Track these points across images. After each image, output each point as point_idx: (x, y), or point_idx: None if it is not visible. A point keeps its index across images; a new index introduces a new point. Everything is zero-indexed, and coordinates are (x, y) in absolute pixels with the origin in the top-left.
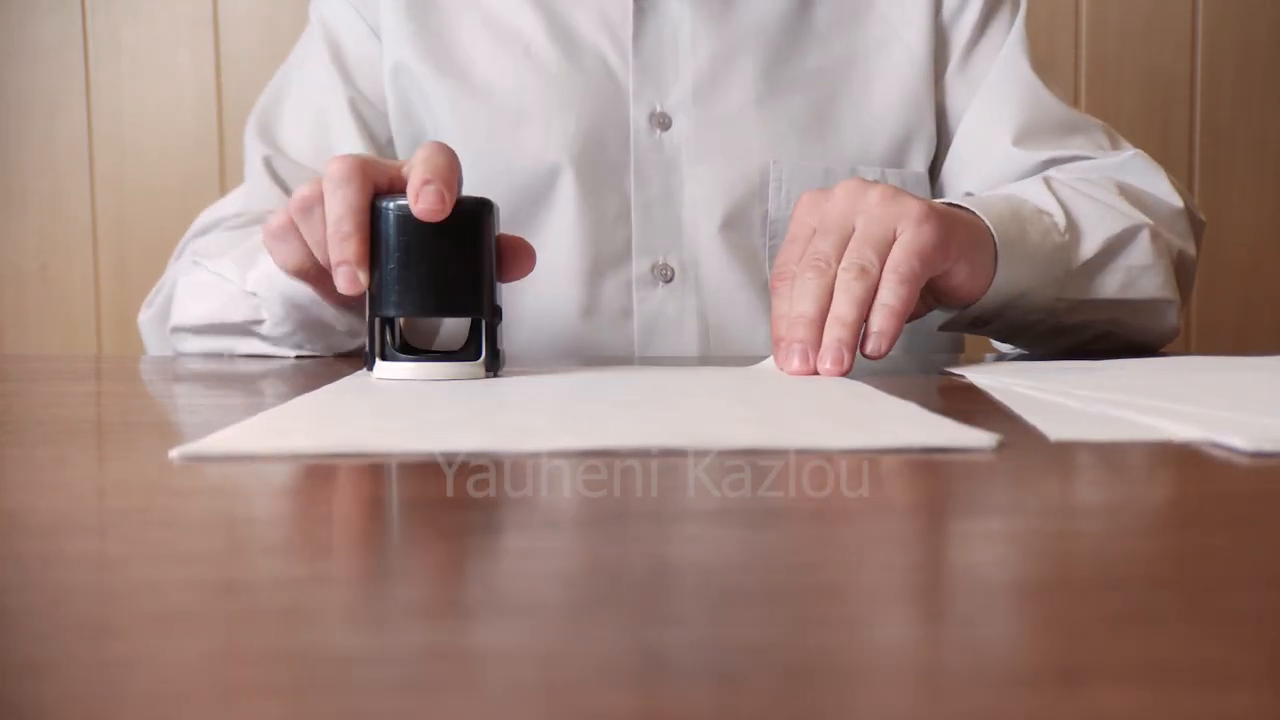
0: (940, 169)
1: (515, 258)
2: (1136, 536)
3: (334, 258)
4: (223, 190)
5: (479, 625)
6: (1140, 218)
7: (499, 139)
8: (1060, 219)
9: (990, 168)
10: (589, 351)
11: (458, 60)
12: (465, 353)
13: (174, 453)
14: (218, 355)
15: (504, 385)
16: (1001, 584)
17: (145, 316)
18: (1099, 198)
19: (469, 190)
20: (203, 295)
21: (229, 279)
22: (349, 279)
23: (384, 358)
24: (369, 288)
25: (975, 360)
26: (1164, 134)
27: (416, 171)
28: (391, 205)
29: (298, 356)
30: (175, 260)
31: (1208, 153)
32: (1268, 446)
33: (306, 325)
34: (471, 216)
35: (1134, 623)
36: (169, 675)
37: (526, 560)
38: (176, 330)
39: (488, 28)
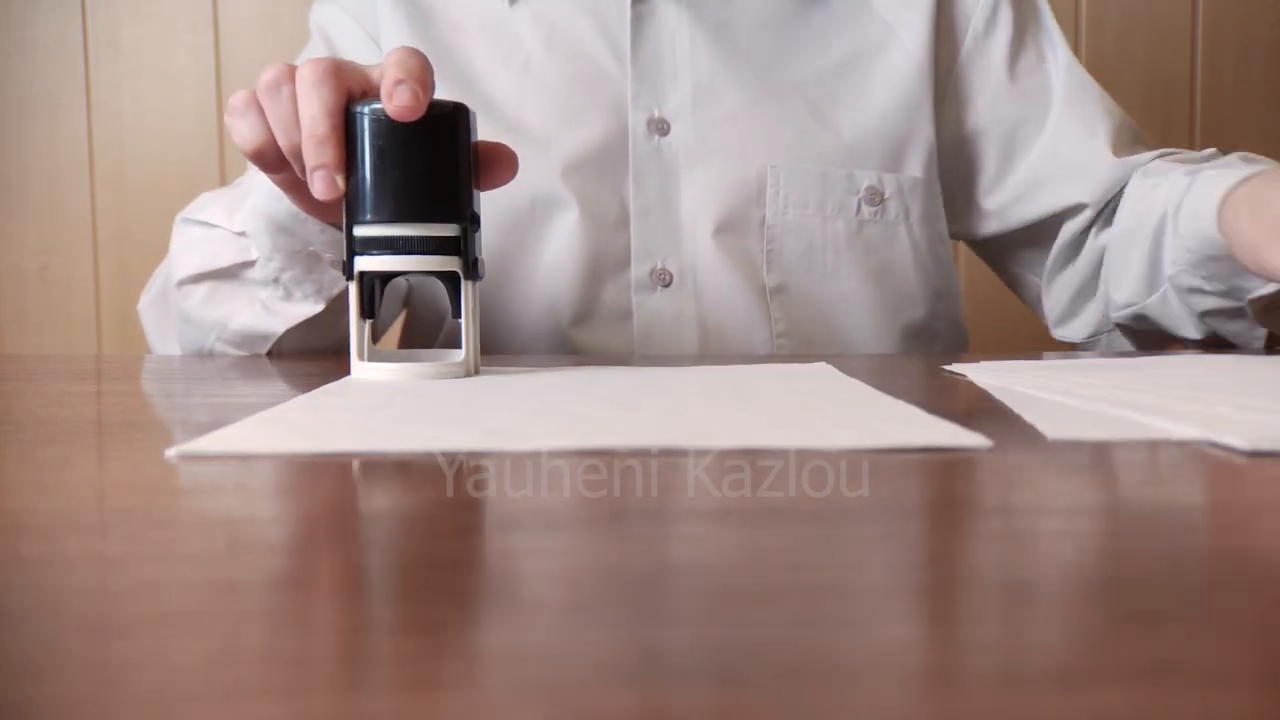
0: (933, 170)
1: (496, 163)
2: (1135, 536)
3: (310, 162)
4: None
5: (479, 625)
6: None
7: None
8: None
9: (1095, 176)
10: (587, 355)
11: (456, 70)
12: (446, 353)
13: (170, 452)
14: (218, 324)
15: (499, 384)
16: (1000, 584)
17: (144, 302)
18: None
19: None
20: (195, 248)
21: (218, 224)
22: (326, 184)
23: (362, 359)
24: (344, 196)
25: (975, 360)
26: (1164, 134)
27: (390, 72)
28: (365, 109)
29: (285, 346)
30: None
31: None
32: (1266, 446)
33: (295, 256)
34: (447, 120)
35: (1134, 623)
36: (169, 675)
37: (526, 560)
38: (179, 286)
39: (487, 38)
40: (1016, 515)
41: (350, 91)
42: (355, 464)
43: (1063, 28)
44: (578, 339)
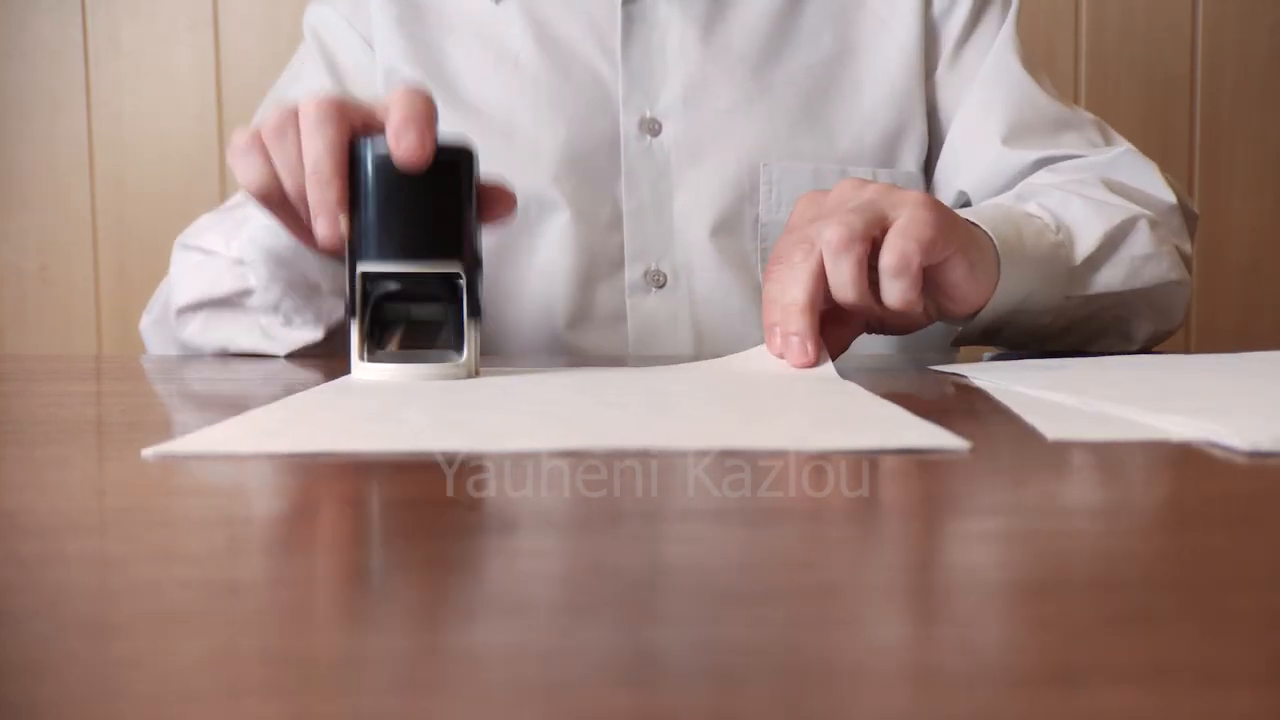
0: (934, 169)
1: (494, 201)
2: (1135, 536)
3: (314, 204)
4: (222, 190)
5: (478, 625)
6: (1135, 209)
7: (491, 153)
8: (1050, 219)
9: (981, 167)
10: (583, 357)
11: (448, 73)
12: (446, 354)
13: (146, 452)
14: (219, 349)
15: (498, 385)
16: (1000, 584)
17: (146, 323)
18: (1088, 195)
19: None
20: (194, 275)
21: (216, 251)
22: (329, 226)
23: (362, 359)
24: (348, 236)
25: (975, 360)
26: (1164, 134)
27: (394, 116)
28: (370, 151)
29: (288, 357)
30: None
31: (1208, 153)
32: (1265, 446)
33: (293, 286)
34: (451, 162)
35: (1134, 623)
36: (169, 675)
37: (525, 560)
38: (179, 314)
39: (477, 39)
40: (1016, 515)
41: (354, 128)
42: (355, 464)
43: (1063, 28)
44: (572, 341)
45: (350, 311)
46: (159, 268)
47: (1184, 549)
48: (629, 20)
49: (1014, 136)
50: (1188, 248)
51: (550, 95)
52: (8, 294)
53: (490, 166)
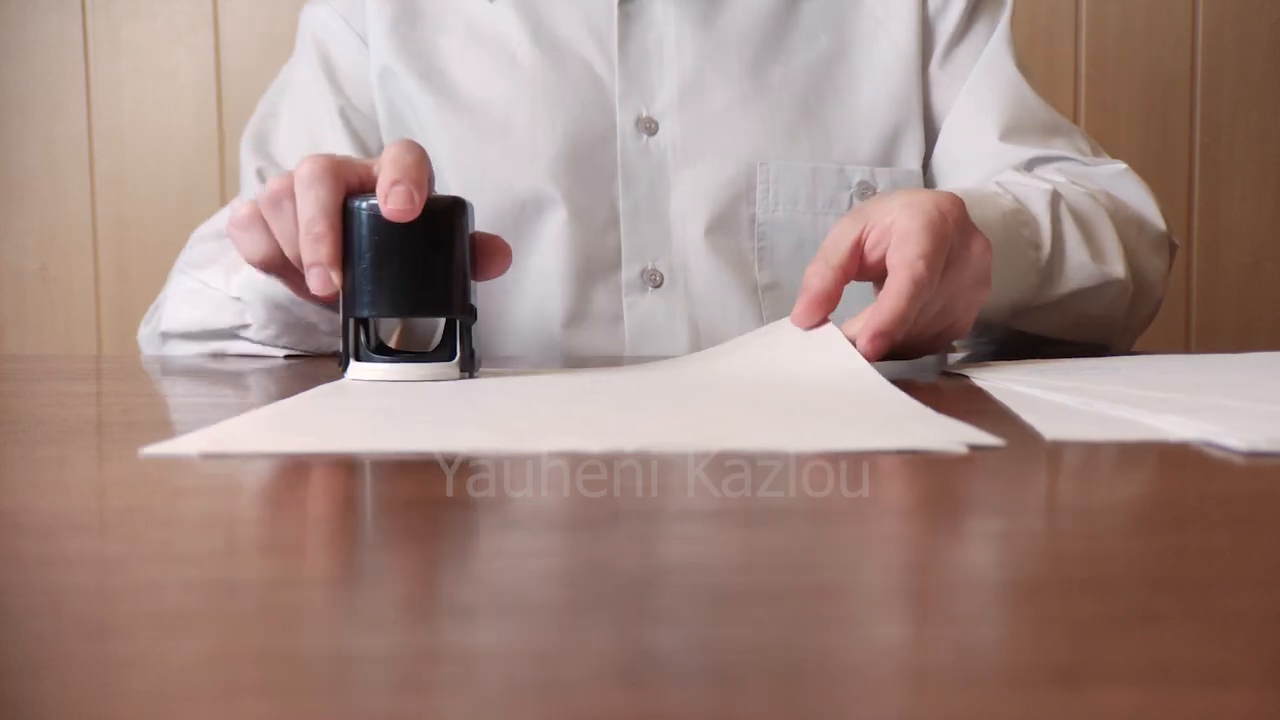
0: (928, 164)
1: (491, 256)
2: (1134, 536)
3: (306, 259)
4: (222, 190)
5: (477, 625)
6: (1117, 270)
7: (486, 151)
8: (1045, 252)
9: (977, 163)
10: (580, 357)
11: (442, 71)
12: (440, 353)
13: (145, 450)
14: (213, 356)
15: (497, 385)
16: (1000, 584)
17: (144, 333)
18: (1096, 235)
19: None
20: (191, 302)
21: (215, 286)
22: (322, 280)
23: (358, 359)
24: (342, 288)
25: (974, 360)
26: (1164, 134)
27: (385, 172)
28: (363, 205)
29: (288, 357)
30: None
31: (1208, 153)
32: (1263, 446)
33: (290, 326)
34: (444, 215)
35: (1134, 623)
36: (169, 675)
37: (525, 560)
38: (167, 336)
39: (472, 36)
40: (1016, 515)
41: (348, 186)
42: (354, 464)
43: (1063, 27)
44: (569, 342)
45: (344, 364)
46: (159, 268)
47: (1183, 549)
48: (625, 19)
49: (1010, 133)
50: (1164, 270)
51: (547, 93)
52: (8, 294)
53: (487, 165)
